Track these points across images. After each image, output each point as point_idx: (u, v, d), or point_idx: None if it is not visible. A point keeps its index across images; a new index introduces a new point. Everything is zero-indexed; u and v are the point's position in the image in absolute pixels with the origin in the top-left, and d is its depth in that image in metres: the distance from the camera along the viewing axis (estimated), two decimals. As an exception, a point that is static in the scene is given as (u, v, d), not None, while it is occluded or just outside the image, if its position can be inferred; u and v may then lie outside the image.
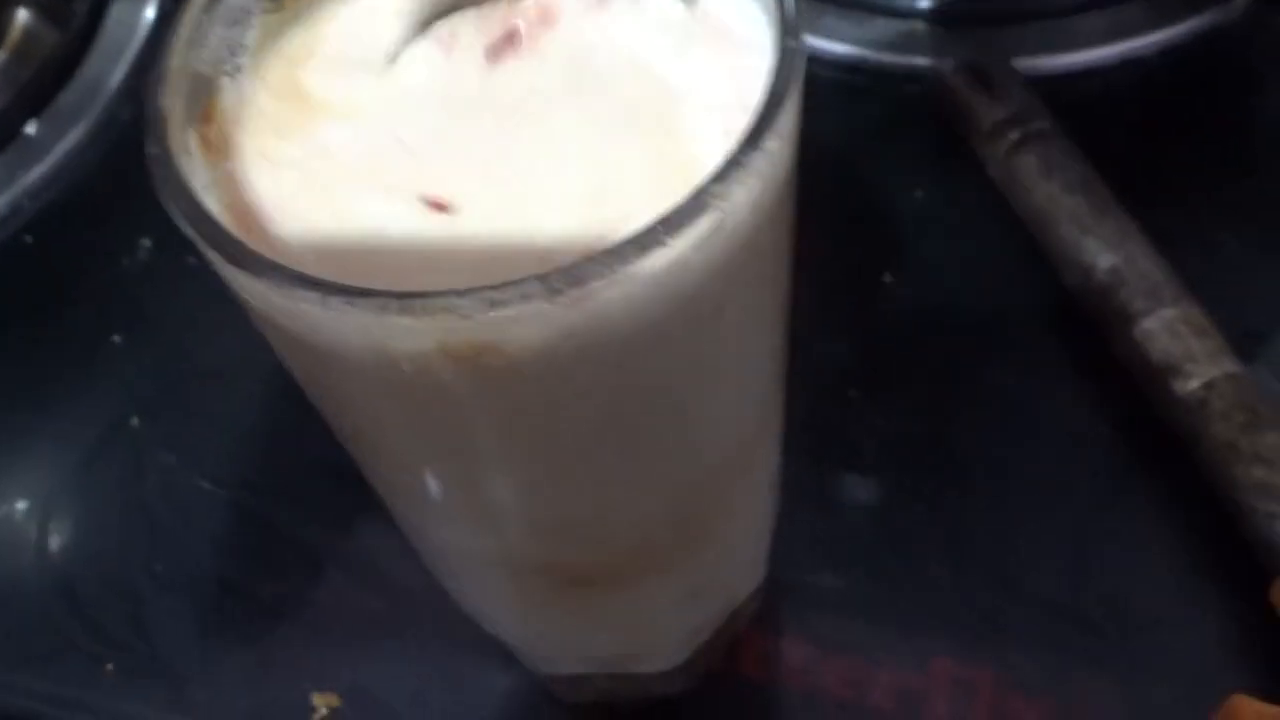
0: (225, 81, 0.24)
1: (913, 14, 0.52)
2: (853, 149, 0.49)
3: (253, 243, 0.21)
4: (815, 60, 0.51)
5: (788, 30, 0.22)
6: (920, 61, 0.50)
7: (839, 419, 0.42)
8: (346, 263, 0.22)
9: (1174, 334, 0.40)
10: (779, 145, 0.21)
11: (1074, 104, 0.47)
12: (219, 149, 0.23)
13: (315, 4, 0.25)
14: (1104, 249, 0.42)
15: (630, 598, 0.31)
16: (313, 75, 0.25)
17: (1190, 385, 0.39)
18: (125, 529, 0.43)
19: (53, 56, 0.54)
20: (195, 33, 0.23)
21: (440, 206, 0.23)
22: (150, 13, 0.57)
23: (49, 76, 0.54)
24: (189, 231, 0.20)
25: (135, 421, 0.45)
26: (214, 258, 0.20)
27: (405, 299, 0.19)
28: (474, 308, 0.19)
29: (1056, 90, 0.48)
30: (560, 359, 0.21)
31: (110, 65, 0.55)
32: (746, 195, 0.21)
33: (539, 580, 0.30)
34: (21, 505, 0.44)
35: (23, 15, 0.57)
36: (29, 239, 0.50)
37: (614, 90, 0.24)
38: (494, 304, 0.19)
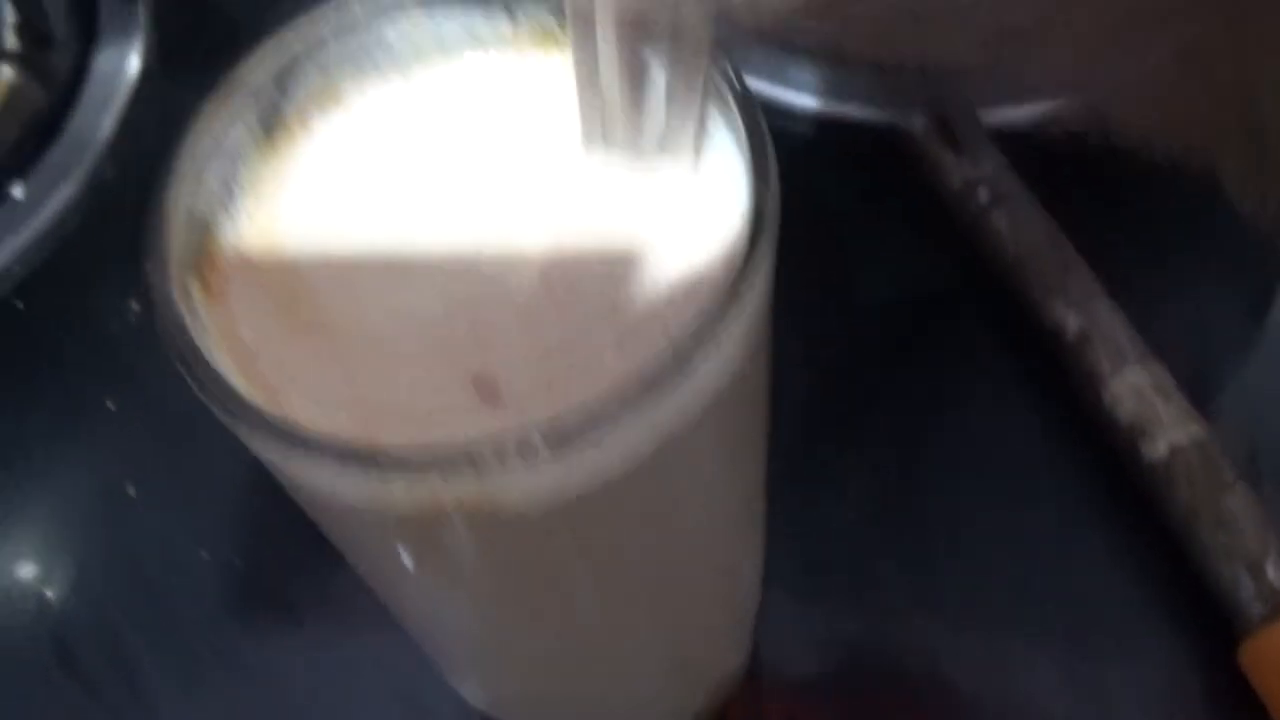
0: (224, 222, 0.25)
1: (880, 68, 0.52)
2: (819, 199, 0.50)
3: (249, 387, 0.22)
4: (780, 113, 0.52)
5: (761, 175, 0.23)
6: (884, 115, 0.51)
7: (811, 475, 0.43)
8: (338, 400, 0.23)
9: (1140, 397, 0.41)
10: (760, 285, 0.22)
11: (1035, 153, 0.49)
12: (219, 292, 0.24)
13: (302, 141, 0.26)
14: (1071, 311, 0.43)
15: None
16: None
17: (1157, 449, 0.40)
18: (121, 595, 0.44)
19: (38, 112, 0.55)
20: (192, 171, 0.24)
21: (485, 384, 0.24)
22: (135, 63, 0.58)
23: (34, 134, 0.54)
24: (191, 383, 0.21)
25: (130, 489, 0.46)
26: (217, 411, 0.21)
27: (396, 464, 0.20)
28: (473, 470, 0.20)
29: (1018, 140, 0.49)
30: (554, 511, 0.22)
31: (96, 120, 0.56)
32: (734, 337, 0.22)
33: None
34: (19, 572, 0.45)
35: (5, 71, 0.58)
36: (19, 303, 0.51)
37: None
38: (493, 461, 0.20)
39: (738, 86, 0.23)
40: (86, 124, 0.56)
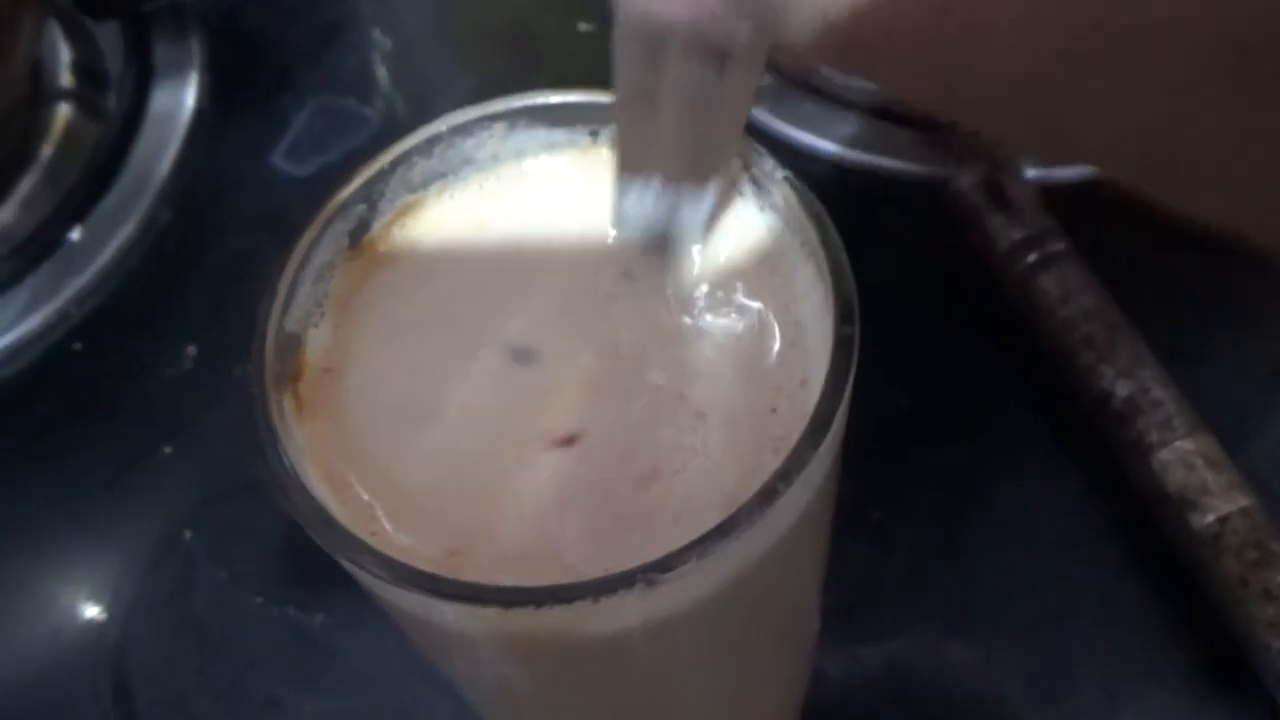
0: (311, 333, 0.26)
1: (922, 121, 0.53)
2: (865, 259, 0.51)
3: (341, 508, 0.23)
4: (824, 164, 0.53)
5: (846, 316, 0.23)
6: (934, 170, 0.52)
7: (861, 542, 0.44)
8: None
9: (1189, 467, 0.42)
10: (841, 415, 0.23)
11: (1085, 213, 0.49)
12: (310, 405, 0.25)
13: (385, 251, 0.27)
14: (1119, 377, 0.44)
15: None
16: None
17: (1205, 520, 0.41)
18: (178, 643, 0.45)
19: (96, 154, 0.56)
20: (287, 296, 0.25)
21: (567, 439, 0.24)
22: (190, 103, 0.58)
23: (92, 176, 0.55)
24: (291, 513, 0.22)
25: (188, 535, 0.47)
26: (315, 537, 0.22)
27: (507, 606, 0.21)
28: (579, 611, 0.21)
29: (1067, 199, 0.49)
30: (636, 633, 0.23)
31: (152, 160, 0.57)
32: (818, 467, 0.22)
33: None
34: (79, 618, 0.45)
35: (64, 110, 0.59)
36: (77, 346, 0.52)
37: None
38: (595, 600, 0.21)
39: (828, 230, 0.23)
40: (143, 164, 0.57)
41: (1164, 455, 0.42)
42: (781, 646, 0.31)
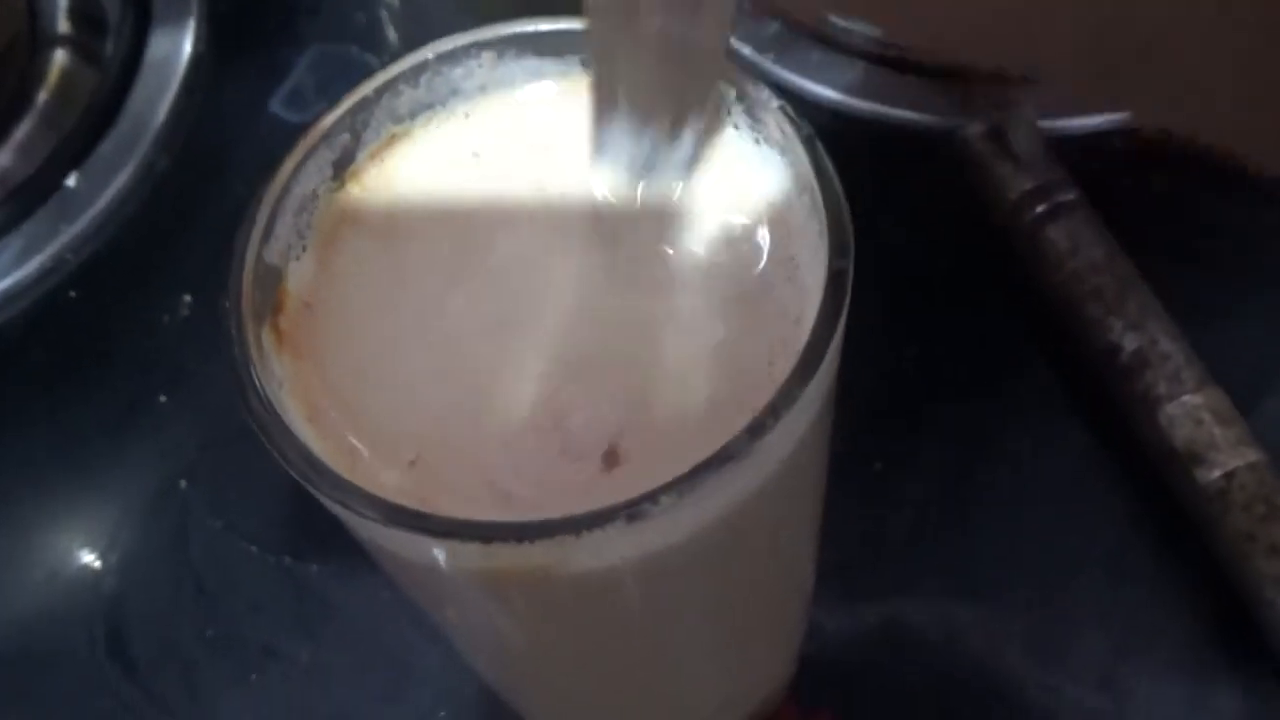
0: (292, 266, 0.25)
1: (933, 71, 0.52)
2: (872, 210, 0.50)
3: (322, 444, 0.22)
4: (826, 112, 0.52)
5: (841, 250, 0.22)
6: (941, 119, 0.51)
7: (864, 494, 0.43)
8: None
9: (1197, 421, 0.41)
10: (833, 356, 0.22)
11: (1098, 165, 0.48)
12: (291, 340, 0.24)
13: (371, 182, 0.26)
14: (1128, 330, 0.43)
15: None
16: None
17: (1212, 474, 0.40)
18: (174, 592, 0.45)
19: (93, 100, 0.55)
20: (267, 226, 0.24)
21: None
22: (188, 46, 0.57)
23: (89, 122, 0.54)
24: (272, 452, 0.21)
25: (184, 484, 0.46)
26: (297, 477, 0.21)
27: (487, 540, 0.20)
28: (560, 545, 0.20)
29: (1080, 150, 0.48)
30: (621, 569, 0.22)
31: (150, 107, 0.56)
32: (808, 405, 0.22)
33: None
34: (75, 565, 0.45)
35: (60, 56, 0.58)
36: (73, 294, 0.51)
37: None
38: (578, 534, 0.20)
39: (822, 160, 0.23)
40: (141, 111, 0.56)
41: (1171, 409, 0.41)
42: (775, 595, 0.30)
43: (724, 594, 0.26)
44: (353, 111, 0.25)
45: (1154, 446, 0.42)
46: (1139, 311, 0.43)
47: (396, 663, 0.43)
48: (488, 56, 0.26)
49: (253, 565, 0.45)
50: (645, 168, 0.25)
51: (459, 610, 0.27)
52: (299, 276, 0.25)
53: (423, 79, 0.26)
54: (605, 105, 0.24)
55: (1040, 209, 0.46)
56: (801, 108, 0.49)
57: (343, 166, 0.26)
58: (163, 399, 0.49)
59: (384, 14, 0.59)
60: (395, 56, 0.55)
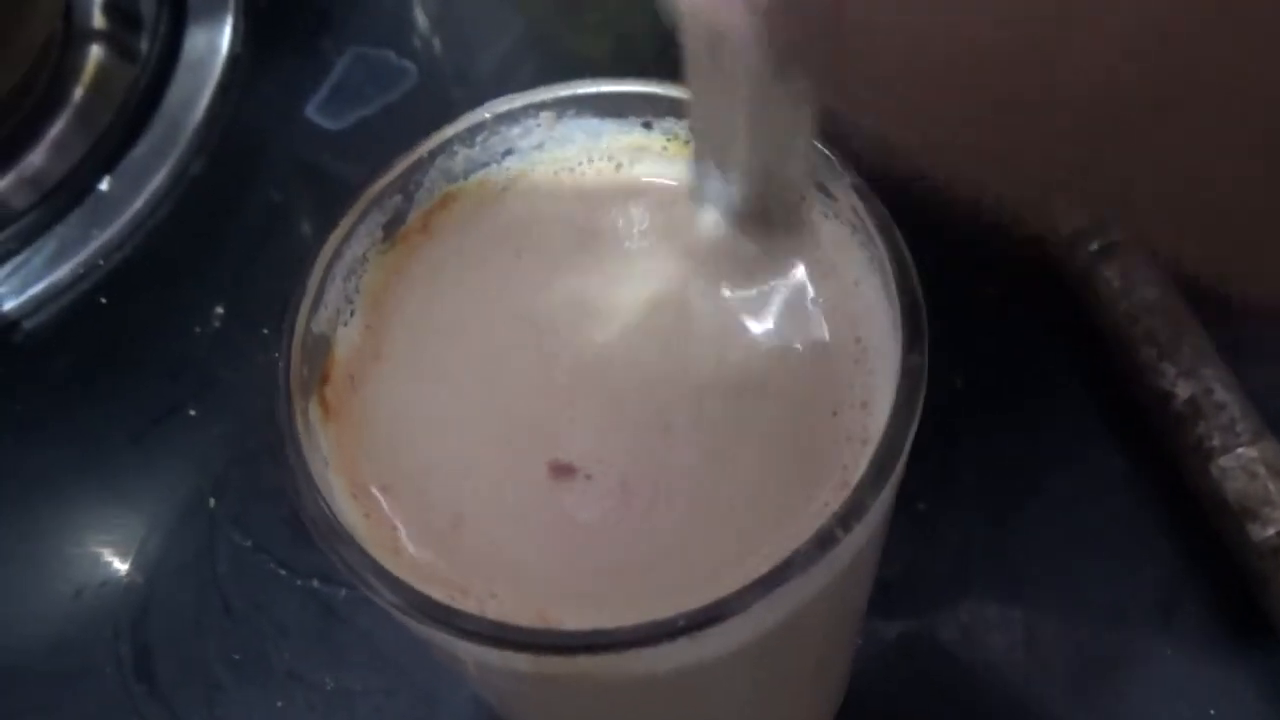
0: (340, 333, 0.24)
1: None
2: (919, 239, 0.49)
3: (365, 524, 0.21)
4: (880, 137, 0.50)
5: (913, 343, 0.21)
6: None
7: (908, 529, 0.43)
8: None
9: (1251, 475, 0.40)
10: (904, 453, 0.21)
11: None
12: (336, 412, 0.24)
13: (421, 244, 0.25)
14: (1181, 377, 0.42)
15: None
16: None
17: (1266, 531, 0.39)
18: (201, 611, 0.44)
19: (128, 98, 0.54)
20: (318, 294, 0.23)
21: (565, 470, 0.23)
22: (225, 43, 0.57)
23: (124, 120, 0.54)
24: (315, 534, 0.21)
25: (212, 502, 0.46)
26: (340, 568, 0.20)
27: (538, 652, 0.19)
28: (609, 659, 0.19)
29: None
30: (679, 672, 0.21)
31: (186, 108, 0.55)
32: (877, 509, 0.21)
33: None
34: (102, 579, 0.45)
35: (96, 52, 0.57)
36: (103, 300, 0.51)
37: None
38: (630, 647, 0.19)
39: (898, 245, 0.22)
40: (176, 111, 0.55)
41: (1225, 461, 0.40)
42: (823, 664, 0.30)
43: (773, 681, 0.25)
44: (406, 173, 0.24)
45: (1205, 498, 0.41)
46: (1193, 357, 0.42)
47: (423, 694, 0.42)
48: (546, 116, 0.25)
49: (280, 587, 0.44)
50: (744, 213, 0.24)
51: (486, 682, 0.26)
52: (347, 344, 0.24)
53: (479, 138, 0.25)
54: (703, 154, 0.23)
55: (1094, 246, 0.45)
56: (842, 129, 0.49)
57: (394, 228, 0.25)
58: (192, 411, 0.48)
59: (421, 17, 0.58)
60: (432, 62, 0.55)
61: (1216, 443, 0.40)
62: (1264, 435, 0.40)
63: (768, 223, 0.23)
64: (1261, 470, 0.40)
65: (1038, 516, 0.43)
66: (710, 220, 0.24)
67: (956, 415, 0.45)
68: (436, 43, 0.57)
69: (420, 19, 0.58)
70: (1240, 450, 0.40)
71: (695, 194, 0.24)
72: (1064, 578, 0.42)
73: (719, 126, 0.22)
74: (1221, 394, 0.41)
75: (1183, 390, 0.42)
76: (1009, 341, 0.47)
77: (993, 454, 0.44)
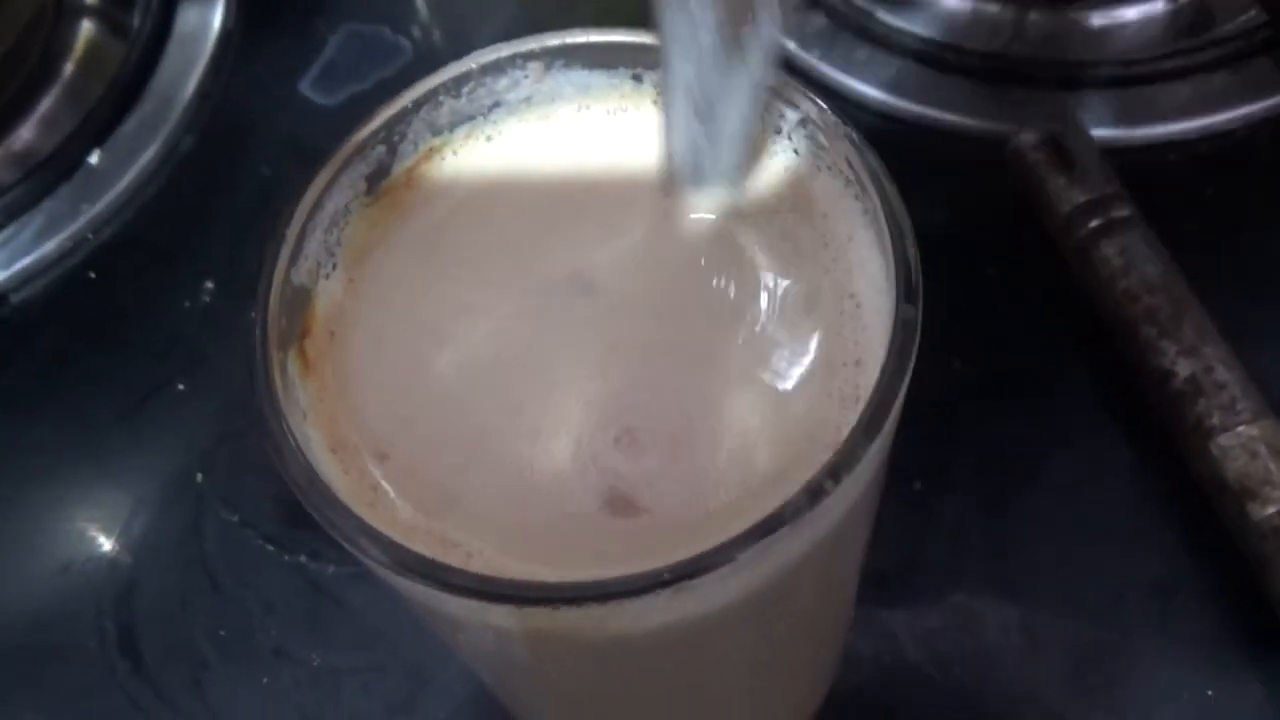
0: (321, 286, 0.24)
1: (985, 74, 0.50)
2: (915, 216, 0.48)
3: (345, 480, 0.21)
4: (877, 113, 0.50)
5: (908, 295, 0.21)
6: (991, 124, 0.49)
7: (903, 512, 0.42)
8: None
9: (1252, 454, 0.39)
10: (896, 407, 0.21)
11: (1152, 178, 0.46)
12: (316, 365, 0.23)
13: (406, 199, 0.25)
14: (1181, 356, 0.41)
15: None
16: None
17: (1265, 510, 0.39)
18: (187, 588, 0.44)
19: (119, 73, 0.53)
20: (297, 244, 0.23)
21: (552, 426, 0.22)
22: (217, 19, 0.56)
23: (114, 96, 0.53)
24: (292, 486, 0.20)
25: (200, 478, 0.45)
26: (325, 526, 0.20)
27: (520, 604, 0.19)
28: (593, 612, 0.19)
29: (1134, 163, 0.46)
30: (663, 634, 0.21)
31: (177, 85, 0.54)
32: (868, 463, 0.20)
33: None
34: (87, 559, 0.44)
35: (87, 27, 0.57)
36: (91, 275, 0.50)
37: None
38: (613, 599, 0.19)
39: (891, 196, 0.21)
40: (167, 87, 0.55)
41: (1224, 440, 0.40)
42: (814, 635, 0.29)
43: (764, 644, 0.25)
44: (389, 123, 0.24)
45: (1205, 477, 0.40)
46: (1194, 335, 0.42)
47: (410, 670, 0.42)
48: (534, 68, 0.24)
49: (267, 563, 0.44)
50: (704, 171, 0.23)
51: (473, 646, 0.26)
52: (328, 297, 0.24)
53: (465, 90, 0.24)
54: (671, 109, 0.22)
55: (1094, 224, 0.44)
56: (845, 107, 0.48)
57: (377, 180, 0.24)
58: (180, 387, 0.47)
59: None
60: (427, 38, 0.54)
61: (1216, 421, 0.40)
62: (1264, 414, 0.40)
63: (728, 163, 0.23)
64: (1262, 449, 0.39)
65: (1035, 499, 0.43)
66: (680, 163, 0.23)
67: (954, 396, 0.44)
68: (431, 19, 0.56)
69: (413, -5, 0.57)
70: (1240, 429, 0.40)
71: (665, 136, 0.23)
72: (1062, 561, 0.41)
73: (684, 67, 0.22)
74: (1222, 373, 0.41)
75: (1183, 369, 0.41)
76: (1008, 322, 0.46)
77: (990, 436, 0.44)
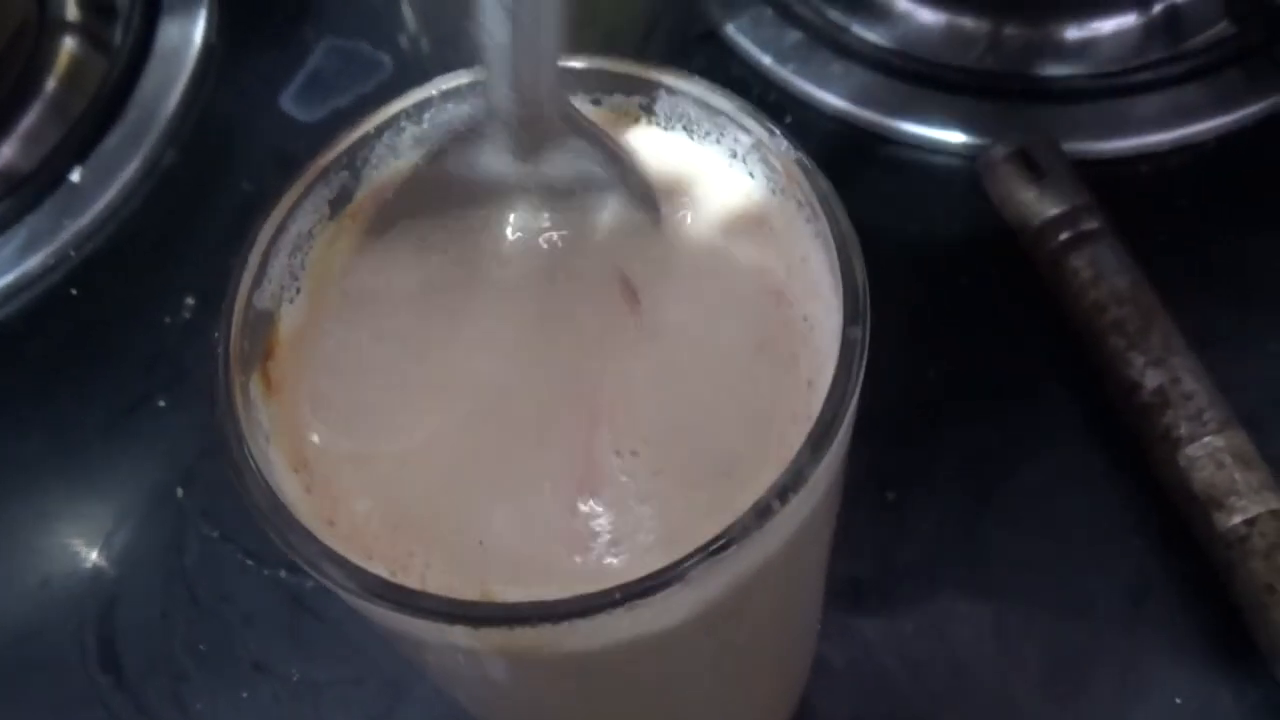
0: (285, 309, 0.24)
1: (959, 87, 0.51)
2: (887, 229, 0.49)
3: (307, 498, 0.21)
4: (851, 126, 0.51)
5: (852, 317, 0.21)
6: (966, 138, 0.50)
7: (877, 519, 0.42)
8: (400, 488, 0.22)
9: (1218, 464, 0.40)
10: (846, 422, 0.21)
11: (1124, 190, 0.47)
12: (279, 386, 0.23)
13: (366, 221, 0.25)
14: (1149, 366, 0.42)
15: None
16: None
17: (1232, 520, 0.39)
18: (169, 602, 0.44)
19: (101, 89, 0.54)
20: (260, 269, 0.23)
21: (512, 442, 0.23)
22: (199, 36, 0.56)
23: (97, 111, 0.53)
24: (251, 508, 0.21)
25: (180, 492, 0.45)
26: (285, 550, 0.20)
27: (475, 625, 0.19)
28: (548, 631, 0.19)
29: (1106, 175, 0.47)
30: (623, 651, 0.21)
31: (159, 100, 0.55)
32: (819, 480, 0.21)
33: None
34: (68, 574, 0.44)
35: (69, 43, 0.57)
36: (73, 291, 0.50)
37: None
38: (566, 618, 0.19)
39: (839, 218, 0.21)
40: (149, 102, 0.55)
41: (1192, 450, 0.40)
42: (780, 646, 0.29)
43: (725, 659, 0.25)
44: (353, 148, 0.24)
45: (1174, 487, 0.41)
46: (1162, 346, 0.42)
47: (388, 683, 0.42)
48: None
49: (247, 578, 0.44)
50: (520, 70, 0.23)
51: (440, 664, 0.26)
52: (291, 320, 0.24)
53: (426, 115, 0.25)
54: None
55: (1064, 236, 0.45)
56: (820, 119, 0.48)
57: (340, 204, 0.25)
58: (162, 402, 0.48)
59: (397, 10, 0.58)
60: (407, 54, 0.54)
61: (1184, 432, 0.40)
62: (1231, 425, 0.40)
63: (542, 131, 0.23)
64: (1228, 460, 0.40)
65: (1007, 507, 0.43)
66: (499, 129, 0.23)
67: (928, 406, 0.45)
68: (411, 34, 0.57)
69: (395, 11, 0.58)
70: (1207, 439, 0.40)
71: (486, 103, 0.23)
72: (1034, 568, 0.42)
73: (495, 30, 0.22)
74: (1189, 383, 0.41)
75: (1151, 380, 0.41)
76: (981, 333, 0.47)
77: (963, 444, 0.44)
